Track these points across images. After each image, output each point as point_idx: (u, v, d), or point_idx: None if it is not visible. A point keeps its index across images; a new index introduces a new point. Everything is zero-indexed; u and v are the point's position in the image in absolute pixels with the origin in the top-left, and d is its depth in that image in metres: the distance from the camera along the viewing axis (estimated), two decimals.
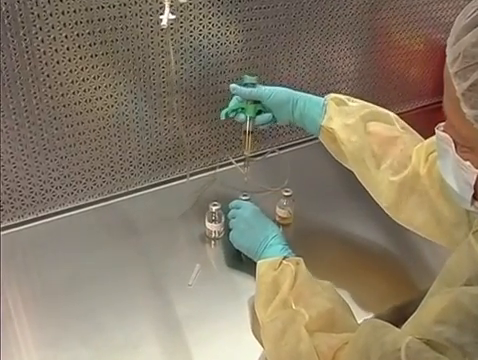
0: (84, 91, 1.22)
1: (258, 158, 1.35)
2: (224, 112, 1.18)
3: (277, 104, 1.14)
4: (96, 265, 1.20)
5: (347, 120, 1.08)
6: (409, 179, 1.02)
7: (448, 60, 0.71)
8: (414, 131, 1.10)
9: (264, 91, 1.15)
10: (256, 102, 1.16)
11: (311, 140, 1.62)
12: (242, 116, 1.18)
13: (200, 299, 1.14)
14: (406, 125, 1.10)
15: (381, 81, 1.73)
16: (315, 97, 1.14)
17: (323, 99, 1.13)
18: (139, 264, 1.21)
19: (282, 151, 1.59)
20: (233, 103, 1.19)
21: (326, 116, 1.10)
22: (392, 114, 1.11)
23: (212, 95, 1.42)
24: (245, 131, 1.19)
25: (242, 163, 1.30)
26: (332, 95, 1.14)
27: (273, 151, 1.55)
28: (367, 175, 1.08)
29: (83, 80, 1.20)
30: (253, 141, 1.20)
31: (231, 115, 1.18)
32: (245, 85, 1.17)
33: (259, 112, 1.17)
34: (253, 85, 1.16)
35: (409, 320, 0.78)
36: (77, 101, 1.22)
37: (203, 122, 1.45)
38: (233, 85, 1.16)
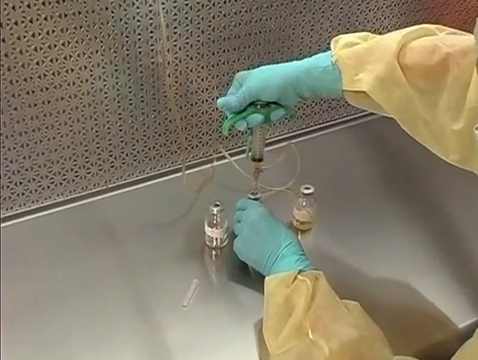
0: (51, 61, 1.21)
1: (268, 148, 1.35)
2: (227, 126, 1.13)
3: (276, 96, 1.11)
4: (67, 281, 1.20)
5: (376, 69, 1.02)
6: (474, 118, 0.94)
7: None
8: (466, 34, 1.02)
9: (249, 90, 1.10)
10: (268, 105, 1.13)
11: (333, 125, 1.61)
12: (258, 118, 1.12)
13: (197, 324, 1.13)
14: (453, 31, 1.04)
15: None
16: (315, 59, 1.09)
17: (328, 56, 1.07)
18: (121, 280, 1.21)
19: (298, 139, 1.60)
20: (233, 115, 1.13)
21: (345, 77, 1.05)
22: (430, 25, 1.05)
23: (213, 67, 1.42)
24: (253, 159, 1.20)
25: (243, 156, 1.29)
26: (339, 41, 1.08)
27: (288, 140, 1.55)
28: (424, 128, 1.02)
29: (49, 47, 1.20)
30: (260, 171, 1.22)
31: (242, 127, 1.14)
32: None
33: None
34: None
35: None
36: (42, 74, 1.22)
37: (202, 102, 1.45)
38: (220, 100, 1.13)
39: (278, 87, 1.09)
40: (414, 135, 1.05)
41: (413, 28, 1.04)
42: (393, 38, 1.03)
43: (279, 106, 1.13)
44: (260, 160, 1.21)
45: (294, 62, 1.11)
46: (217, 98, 1.44)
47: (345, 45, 1.07)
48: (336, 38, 1.10)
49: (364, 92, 1.03)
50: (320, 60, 1.08)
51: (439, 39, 1.01)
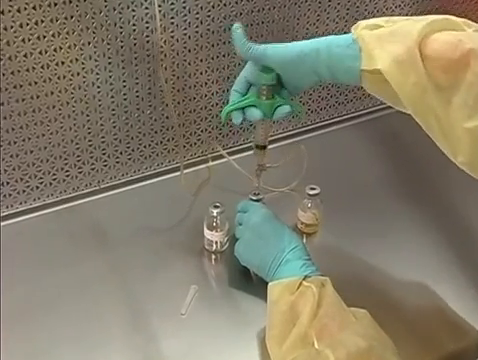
0: (40, 53, 1.21)
1: (271, 146, 1.35)
2: (226, 111, 1.12)
3: (289, 68, 1.09)
4: (57, 287, 1.20)
5: (396, 51, 1.01)
6: None
7: None
8: None
9: (261, 53, 1.08)
10: (273, 97, 1.11)
11: (341, 121, 1.61)
12: (257, 114, 1.11)
13: (196, 332, 1.13)
14: None
15: None
16: (335, 37, 1.08)
17: (350, 35, 1.07)
18: (114, 286, 1.21)
19: (303, 136, 1.60)
20: (236, 101, 1.13)
21: (364, 56, 1.04)
22: (457, 19, 1.04)
23: (213, 60, 1.42)
24: (257, 145, 1.18)
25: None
26: (361, 23, 1.08)
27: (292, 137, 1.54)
28: (435, 123, 1.02)
29: (38, 38, 1.20)
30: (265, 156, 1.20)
31: (238, 119, 1.12)
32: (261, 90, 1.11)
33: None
34: (272, 86, 1.11)
35: None
36: (30, 67, 1.22)
37: (201, 97, 1.45)
38: (236, 25, 1.09)
39: (297, 56, 1.07)
40: (426, 129, 1.04)
41: (439, 17, 1.03)
42: (417, 25, 1.02)
43: (284, 100, 1.11)
44: (264, 147, 1.18)
45: (311, 39, 1.09)
46: (217, 93, 1.46)
47: (366, 27, 1.06)
48: (356, 24, 1.09)
49: (381, 74, 1.02)
50: (340, 38, 1.07)
51: (465, 35, 1.00)
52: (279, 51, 1.07)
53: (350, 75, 1.06)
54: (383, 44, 1.02)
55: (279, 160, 1.40)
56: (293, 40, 1.47)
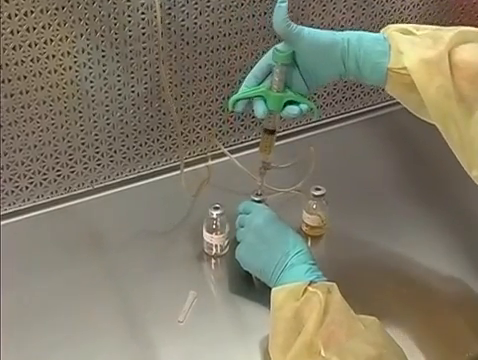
0: (29, 46, 1.21)
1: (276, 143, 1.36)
2: (233, 99, 1.13)
3: (319, 53, 1.10)
4: (48, 293, 1.20)
5: (425, 53, 1.05)
6: None
7: None
8: None
9: (297, 33, 1.08)
10: (284, 90, 1.12)
11: (349, 118, 1.61)
12: (261, 109, 1.13)
13: (194, 341, 1.13)
14: None
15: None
16: (367, 33, 1.11)
17: (380, 33, 1.10)
18: (109, 292, 1.21)
19: (308, 134, 1.60)
20: (246, 89, 1.13)
21: (392, 53, 1.07)
22: None
23: (213, 53, 1.42)
24: (265, 129, 1.18)
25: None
26: (392, 26, 1.11)
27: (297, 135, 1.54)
28: (455, 132, 1.04)
29: (28, 30, 1.20)
30: (272, 142, 1.19)
31: (239, 108, 1.14)
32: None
33: (285, 103, 1.14)
34: (285, 69, 1.11)
35: None
36: (19, 60, 1.22)
37: (200, 91, 1.45)
38: None
39: (330, 41, 1.08)
40: (445, 136, 1.07)
41: (470, 29, 1.07)
42: (449, 33, 1.06)
43: (295, 95, 1.12)
44: (273, 132, 1.18)
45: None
46: (217, 88, 1.46)
47: (396, 29, 1.09)
48: (385, 27, 1.12)
49: (407, 75, 1.04)
50: (370, 34, 1.10)
51: None
52: (315, 34, 1.09)
53: (376, 73, 1.08)
54: (413, 45, 1.05)
55: (285, 159, 1.41)
56: None
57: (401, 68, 1.05)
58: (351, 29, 1.51)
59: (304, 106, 1.12)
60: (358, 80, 1.12)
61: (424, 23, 1.61)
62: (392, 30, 1.09)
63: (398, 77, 1.07)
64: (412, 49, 1.05)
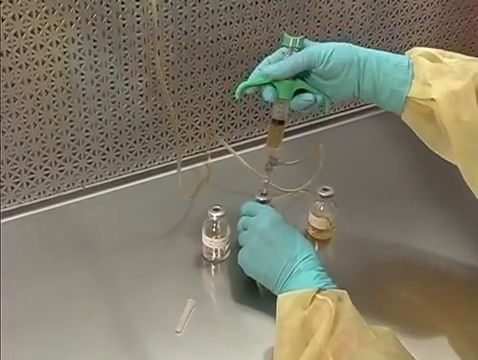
0: (15, 35, 1.21)
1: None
2: (241, 87, 1.14)
3: (336, 70, 1.11)
4: (36, 300, 1.20)
5: (452, 84, 1.07)
6: None
7: None
8: None
9: (314, 52, 1.11)
10: (294, 79, 1.13)
11: (359, 113, 1.60)
12: (270, 95, 1.14)
13: (193, 352, 1.13)
14: None
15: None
16: (389, 54, 1.13)
17: (405, 56, 1.12)
18: (101, 300, 1.21)
19: (315, 130, 1.61)
20: (256, 77, 1.15)
21: (416, 82, 1.09)
22: None
23: (212, 43, 1.42)
24: (274, 120, 1.18)
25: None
26: (418, 49, 1.12)
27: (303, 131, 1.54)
28: (476, 168, 1.07)
29: (14, 18, 1.20)
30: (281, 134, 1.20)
31: (248, 92, 1.15)
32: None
33: (295, 92, 1.15)
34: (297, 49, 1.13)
35: None
36: (4, 51, 1.22)
37: (198, 85, 1.45)
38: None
39: (342, 62, 1.10)
40: (464, 172, 1.10)
41: None
42: (477, 63, 1.09)
43: (306, 84, 1.13)
44: (281, 123, 1.18)
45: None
46: (216, 81, 1.45)
47: (422, 54, 1.11)
48: (411, 50, 1.14)
49: (428, 106, 1.06)
50: (395, 56, 1.12)
51: None
52: (331, 51, 1.11)
53: (394, 98, 1.10)
54: (441, 75, 1.07)
55: (292, 157, 1.41)
56: (304, 20, 1.49)
57: (425, 100, 1.07)
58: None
59: (318, 96, 1.13)
60: (371, 101, 1.13)
61: (436, 11, 1.62)
62: (418, 55, 1.10)
63: (417, 107, 1.09)
64: (441, 81, 1.07)
